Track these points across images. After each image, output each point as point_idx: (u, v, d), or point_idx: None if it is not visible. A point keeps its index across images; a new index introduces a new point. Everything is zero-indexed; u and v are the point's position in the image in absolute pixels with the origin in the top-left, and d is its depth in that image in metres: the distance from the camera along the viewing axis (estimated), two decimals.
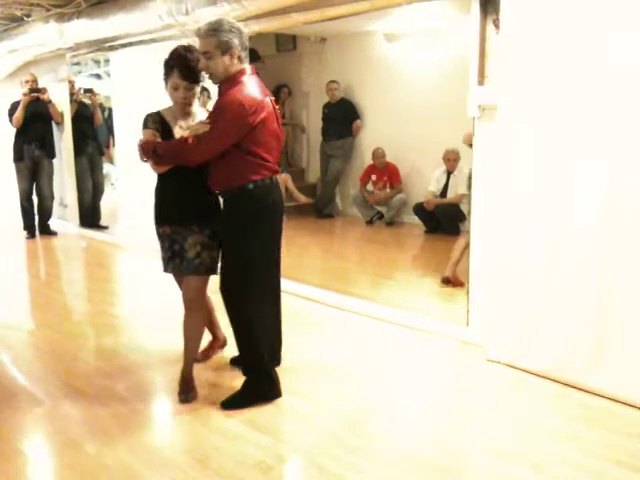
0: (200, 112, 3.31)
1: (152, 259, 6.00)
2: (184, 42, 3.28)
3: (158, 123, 3.21)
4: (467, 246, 4.79)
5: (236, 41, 3.01)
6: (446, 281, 5.09)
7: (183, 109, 3.24)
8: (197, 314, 3.34)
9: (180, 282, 3.41)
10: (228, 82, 3.04)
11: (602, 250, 3.17)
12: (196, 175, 3.18)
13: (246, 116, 2.96)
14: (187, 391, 3.31)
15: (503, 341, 3.61)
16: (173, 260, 3.27)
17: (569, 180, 3.25)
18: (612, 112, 3.07)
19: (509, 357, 3.60)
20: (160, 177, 3.27)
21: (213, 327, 3.77)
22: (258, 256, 3.16)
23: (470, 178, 4.41)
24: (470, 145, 4.92)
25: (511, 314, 3.56)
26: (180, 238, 3.23)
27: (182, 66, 3.11)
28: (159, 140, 3.15)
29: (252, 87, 3.04)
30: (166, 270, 3.37)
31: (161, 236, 3.31)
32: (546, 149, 3.33)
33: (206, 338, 3.64)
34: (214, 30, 2.98)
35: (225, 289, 3.19)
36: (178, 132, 3.19)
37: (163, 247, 3.33)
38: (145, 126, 3.21)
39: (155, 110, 3.26)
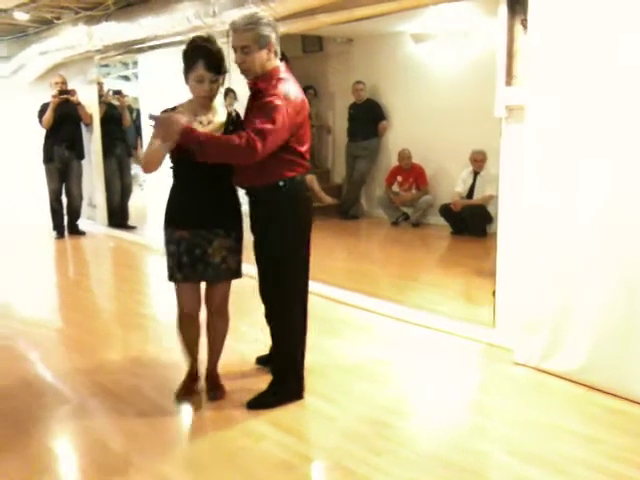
0: (221, 108, 3.14)
1: None
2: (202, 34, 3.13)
3: None
4: None
5: (273, 35, 2.95)
6: None
7: (205, 103, 3.04)
8: (226, 317, 3.32)
9: (194, 291, 3.20)
10: (267, 78, 2.95)
11: (632, 252, 3.12)
12: (219, 174, 3.05)
13: (296, 112, 2.93)
14: (216, 388, 3.33)
15: (530, 344, 3.58)
16: (193, 266, 3.08)
17: (600, 181, 3.20)
18: None
19: (536, 360, 3.56)
20: (178, 176, 3.11)
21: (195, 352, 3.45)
22: (295, 253, 3.13)
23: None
24: None
25: (538, 317, 3.52)
26: (203, 242, 3.06)
27: (207, 57, 2.93)
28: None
29: (294, 86, 3.00)
30: (174, 278, 3.14)
31: (177, 241, 3.08)
32: (575, 150, 3.29)
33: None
34: (254, 24, 2.90)
35: (267, 290, 3.19)
36: (197, 128, 2.98)
37: (176, 253, 3.09)
38: None
39: (172, 106, 3.09)
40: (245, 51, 2.92)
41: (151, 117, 2.92)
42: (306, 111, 3.06)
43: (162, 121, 2.89)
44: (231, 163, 2.99)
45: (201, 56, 2.93)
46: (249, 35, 2.90)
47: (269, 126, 2.80)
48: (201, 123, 3.02)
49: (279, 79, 2.96)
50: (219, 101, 3.15)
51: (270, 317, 3.27)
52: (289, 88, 2.95)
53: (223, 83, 3.07)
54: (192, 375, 3.41)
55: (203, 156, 2.86)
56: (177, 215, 3.10)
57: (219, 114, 3.10)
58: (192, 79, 2.97)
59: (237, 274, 3.22)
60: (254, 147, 2.78)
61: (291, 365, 3.26)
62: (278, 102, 2.85)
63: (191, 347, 3.36)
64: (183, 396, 3.32)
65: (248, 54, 2.92)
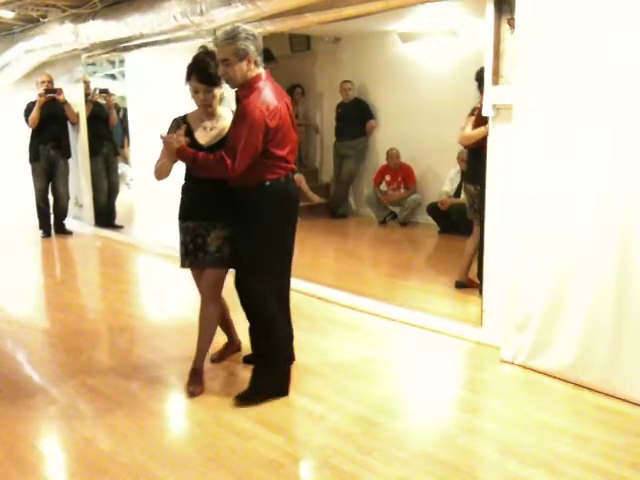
0: (226, 113, 3.40)
1: (166, 259, 6.05)
2: (200, 42, 3.30)
3: (181, 128, 3.32)
4: (477, 249, 4.79)
5: (252, 47, 3.12)
6: (460, 285, 5.07)
7: (208, 110, 3.34)
8: (213, 306, 3.43)
9: (198, 277, 3.47)
10: (245, 88, 3.14)
11: (619, 251, 3.14)
12: None
13: (266, 121, 3.07)
14: (195, 383, 3.36)
15: (517, 342, 3.59)
16: (195, 253, 3.39)
17: (586, 180, 3.22)
18: (631, 111, 3.04)
19: (523, 358, 3.58)
20: (188, 176, 3.41)
21: (228, 328, 3.81)
22: (274, 251, 3.26)
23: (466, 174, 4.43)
24: (466, 147, 4.93)
25: (525, 315, 3.54)
26: (203, 232, 3.36)
27: (199, 70, 3.23)
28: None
29: (268, 93, 3.15)
30: (184, 265, 3.46)
31: (184, 230, 3.43)
32: (562, 148, 3.30)
33: (221, 336, 3.65)
34: (231, 38, 3.08)
35: (242, 284, 3.27)
36: (201, 133, 3.32)
37: (184, 241, 3.43)
38: (169, 132, 3.34)
39: (182, 114, 3.41)
40: (225, 63, 3.12)
41: (160, 137, 3.23)
42: (283, 116, 3.19)
43: (165, 141, 3.22)
44: (211, 175, 3.22)
45: (195, 69, 3.25)
46: (228, 49, 3.09)
47: (237, 142, 3.06)
48: (205, 128, 3.35)
49: (255, 88, 3.13)
50: (224, 107, 3.44)
51: (247, 309, 3.33)
52: (262, 96, 3.12)
53: (222, 95, 3.39)
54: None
55: (195, 171, 3.26)
56: (185, 208, 3.45)
57: (223, 119, 3.36)
58: (190, 90, 3.31)
59: (231, 264, 3.39)
60: (225, 164, 3.06)
61: (270, 360, 3.31)
62: (247, 114, 3.06)
63: (222, 326, 3.69)
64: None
65: (229, 66, 3.11)
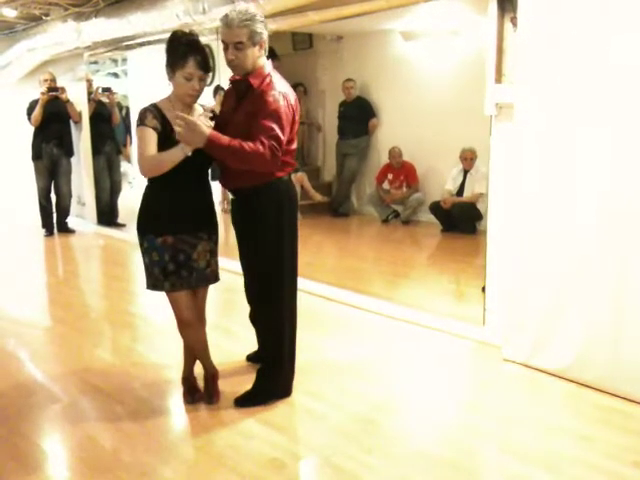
0: (199, 107, 3.05)
1: None
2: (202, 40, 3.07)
3: (158, 119, 2.88)
4: None
5: (265, 33, 2.94)
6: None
7: (187, 102, 2.93)
8: (205, 321, 3.26)
9: (185, 300, 3.04)
10: (258, 75, 2.94)
11: (620, 250, 3.14)
12: (200, 176, 3.03)
13: (293, 112, 2.95)
14: (217, 392, 3.29)
15: (519, 341, 3.59)
16: (177, 273, 2.96)
17: (589, 179, 3.22)
18: (632, 110, 3.04)
19: (525, 357, 3.58)
20: (159, 180, 2.92)
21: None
22: (286, 252, 3.13)
23: None
24: None
25: (527, 314, 3.54)
26: (187, 247, 2.96)
27: (198, 54, 2.84)
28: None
29: (283, 83, 3.00)
30: (160, 287, 2.99)
31: (159, 247, 2.94)
32: (564, 147, 3.30)
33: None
34: (249, 20, 2.85)
35: (258, 290, 3.20)
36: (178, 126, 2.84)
37: (160, 260, 2.94)
38: (142, 122, 2.86)
39: (152, 103, 2.95)
40: (238, 47, 2.87)
41: (179, 119, 2.76)
42: (298, 108, 3.05)
43: (191, 126, 2.77)
44: (248, 168, 2.91)
45: (192, 53, 2.83)
46: (244, 31, 2.85)
47: (280, 133, 2.83)
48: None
49: (271, 77, 2.95)
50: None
51: (256, 318, 3.31)
52: (280, 87, 2.94)
53: (217, 91, 3.05)
54: (193, 379, 3.32)
55: (225, 161, 2.90)
56: (159, 220, 2.96)
57: (196, 112, 3.01)
58: (180, 76, 2.86)
59: (217, 278, 3.18)
60: (277, 156, 2.83)
61: (277, 364, 3.27)
62: (281, 104, 2.87)
63: (204, 351, 3.23)
64: (193, 397, 3.26)
65: (241, 50, 2.88)
